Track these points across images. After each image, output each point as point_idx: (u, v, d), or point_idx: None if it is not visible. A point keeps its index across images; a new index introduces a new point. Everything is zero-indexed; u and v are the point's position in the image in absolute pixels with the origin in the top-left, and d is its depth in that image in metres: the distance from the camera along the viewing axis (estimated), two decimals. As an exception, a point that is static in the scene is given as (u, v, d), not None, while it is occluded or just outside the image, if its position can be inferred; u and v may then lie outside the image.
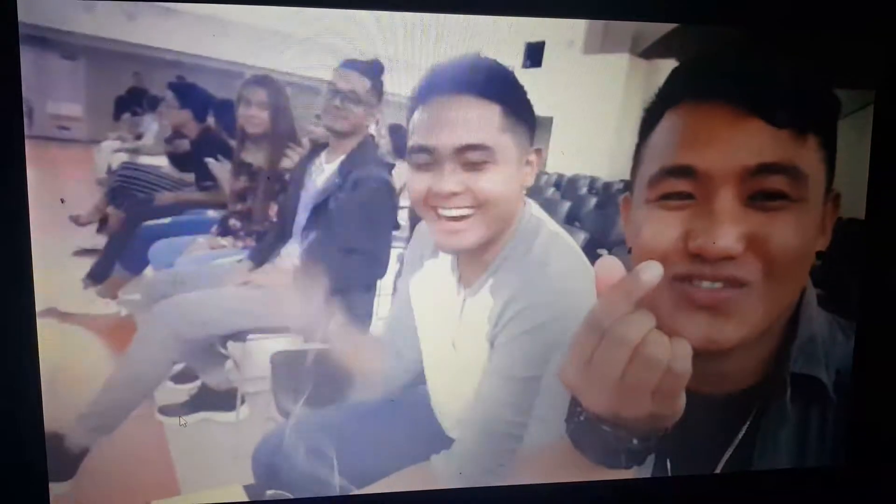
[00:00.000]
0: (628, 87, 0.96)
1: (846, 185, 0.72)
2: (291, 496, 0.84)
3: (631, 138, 0.97)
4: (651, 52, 0.96)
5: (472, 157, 0.73)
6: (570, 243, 0.80)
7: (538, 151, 0.78)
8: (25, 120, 0.74)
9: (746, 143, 0.63)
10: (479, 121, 0.73)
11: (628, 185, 1.04)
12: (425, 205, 0.77)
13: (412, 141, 0.76)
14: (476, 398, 0.79)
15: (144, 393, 0.85)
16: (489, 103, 0.73)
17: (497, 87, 0.74)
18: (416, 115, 0.76)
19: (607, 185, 1.04)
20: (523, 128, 0.76)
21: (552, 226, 0.80)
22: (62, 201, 0.78)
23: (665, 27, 0.93)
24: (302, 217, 0.92)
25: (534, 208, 0.80)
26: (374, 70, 0.82)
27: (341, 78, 0.83)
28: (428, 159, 0.75)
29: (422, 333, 0.87)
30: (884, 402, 0.92)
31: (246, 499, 0.85)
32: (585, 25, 0.90)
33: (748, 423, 0.71)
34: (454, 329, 0.82)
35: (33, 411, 0.78)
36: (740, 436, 0.72)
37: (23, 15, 0.71)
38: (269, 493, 0.84)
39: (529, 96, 0.79)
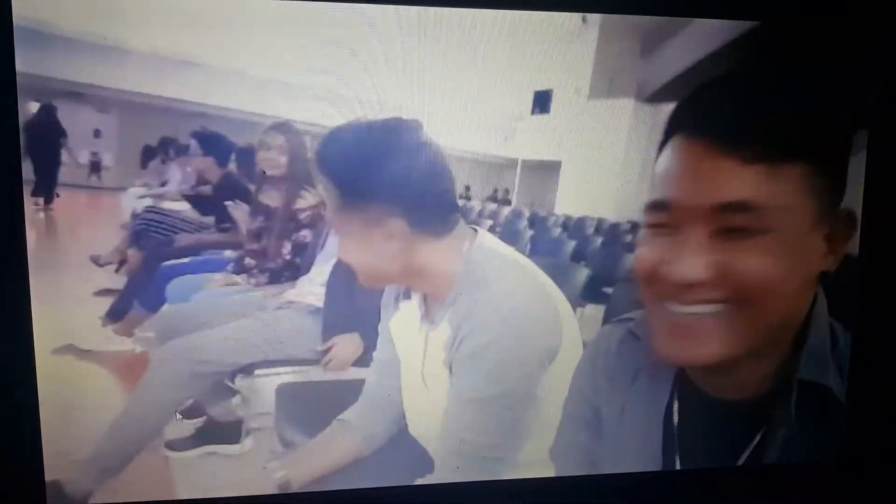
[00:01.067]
0: (633, 131, 0.97)
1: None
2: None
3: (636, 180, 0.99)
4: (655, 98, 0.97)
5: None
6: (516, 261, 0.83)
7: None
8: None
9: (714, 180, 0.66)
10: None
11: (634, 226, 1.06)
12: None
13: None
14: (443, 425, 0.82)
15: (155, 430, 0.88)
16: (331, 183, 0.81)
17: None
18: None
19: (614, 226, 1.04)
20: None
21: (503, 250, 0.83)
22: (57, 195, 0.81)
23: (669, 74, 0.95)
24: (322, 259, 0.95)
25: (485, 238, 0.83)
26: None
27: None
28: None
29: (403, 373, 0.89)
30: (881, 401, 0.93)
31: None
32: (591, 73, 0.93)
33: (762, 430, 0.74)
34: (421, 365, 0.85)
35: (33, 457, 0.80)
36: (754, 443, 0.74)
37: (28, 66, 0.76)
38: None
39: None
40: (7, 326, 0.79)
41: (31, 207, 0.79)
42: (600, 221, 1.02)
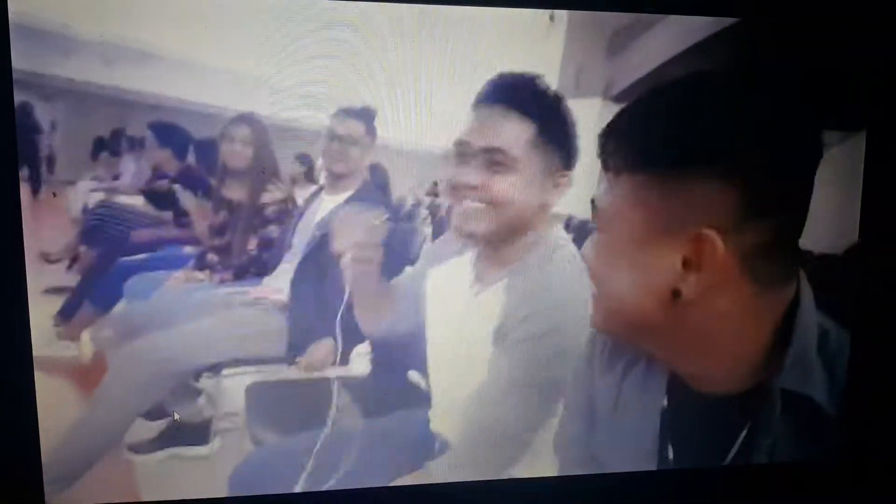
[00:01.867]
0: (600, 129, 0.99)
1: (842, 200, 0.74)
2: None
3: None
4: (623, 97, 0.99)
5: (496, 158, 0.82)
6: (582, 267, 0.86)
7: (567, 176, 0.86)
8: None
9: None
10: (510, 131, 0.81)
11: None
12: (451, 193, 0.85)
13: (457, 136, 0.85)
14: (479, 402, 0.85)
15: (117, 434, 0.85)
16: (526, 119, 0.82)
17: (536, 107, 0.84)
18: (470, 117, 0.85)
19: (583, 223, 1.07)
20: (556, 151, 0.84)
21: (572, 248, 0.87)
22: (54, 195, 0.80)
23: (636, 73, 0.96)
24: (290, 256, 0.93)
25: (561, 231, 0.88)
26: (367, 115, 0.88)
27: (339, 123, 0.87)
28: (462, 152, 0.84)
29: (430, 322, 0.91)
30: (877, 400, 0.94)
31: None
32: (559, 72, 0.93)
33: (748, 427, 0.74)
34: (460, 320, 0.88)
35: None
36: (741, 438, 0.75)
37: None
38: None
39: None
40: None
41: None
42: (569, 218, 1.04)
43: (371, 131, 0.89)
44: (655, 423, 0.75)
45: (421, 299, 0.92)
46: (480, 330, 0.86)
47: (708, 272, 0.67)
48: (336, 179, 0.93)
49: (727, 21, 0.91)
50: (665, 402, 0.75)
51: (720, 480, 0.86)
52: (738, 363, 0.72)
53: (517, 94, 0.83)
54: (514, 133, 0.82)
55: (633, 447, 0.77)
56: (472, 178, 0.82)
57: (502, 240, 0.85)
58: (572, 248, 0.87)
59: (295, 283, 0.92)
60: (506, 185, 0.82)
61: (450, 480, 0.86)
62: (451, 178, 0.84)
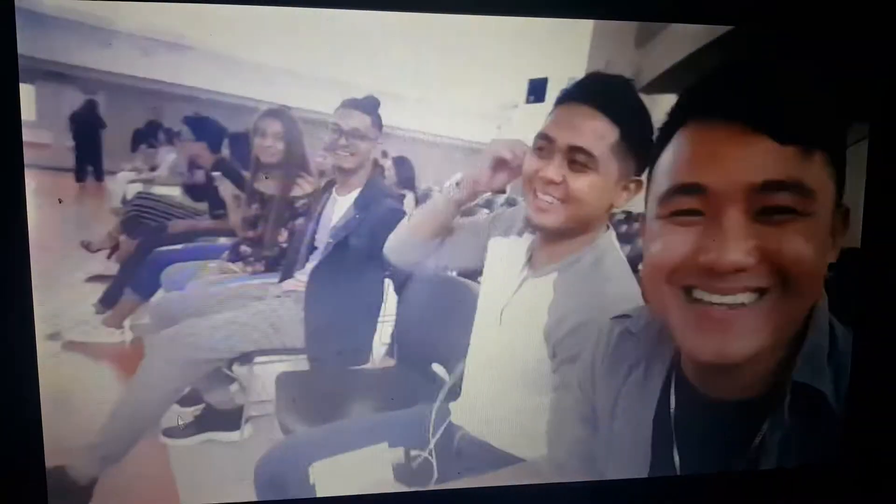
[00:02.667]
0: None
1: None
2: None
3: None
4: (651, 88, 0.98)
5: (579, 157, 0.83)
6: (630, 274, 0.87)
7: (639, 182, 0.85)
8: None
9: (752, 160, 0.64)
10: (596, 132, 0.83)
11: (629, 216, 1.07)
12: (528, 183, 0.87)
13: (540, 129, 0.87)
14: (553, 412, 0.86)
15: (154, 418, 0.88)
16: (612, 123, 0.83)
17: (624, 112, 0.85)
18: (555, 112, 0.87)
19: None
20: (633, 157, 0.85)
21: (622, 254, 0.88)
22: (60, 201, 0.81)
23: (665, 63, 0.95)
24: (318, 247, 0.95)
25: (613, 235, 0.89)
26: (371, 105, 0.88)
27: (343, 117, 0.89)
28: (544, 147, 0.85)
29: (480, 301, 0.93)
30: (880, 403, 0.93)
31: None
32: (587, 62, 0.93)
33: (761, 432, 0.72)
34: (506, 301, 0.89)
35: (36, 443, 0.79)
36: (756, 443, 0.73)
37: (25, 48, 0.74)
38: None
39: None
40: (7, 315, 0.77)
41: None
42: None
43: (377, 123, 0.89)
44: (651, 428, 0.74)
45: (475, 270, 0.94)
46: (526, 315, 0.87)
47: (839, 245, 0.70)
48: (345, 175, 0.95)
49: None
50: (672, 407, 0.74)
51: (726, 485, 0.85)
52: (759, 364, 0.71)
53: (605, 96, 0.84)
54: (599, 134, 0.83)
55: (632, 450, 0.76)
56: (553, 173, 0.83)
57: (564, 234, 0.86)
58: (621, 254, 0.88)
59: (316, 277, 0.94)
60: (584, 185, 0.83)
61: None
62: (531, 171, 0.86)
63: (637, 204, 1.04)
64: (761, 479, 0.81)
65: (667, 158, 0.69)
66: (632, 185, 0.86)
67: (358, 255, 0.94)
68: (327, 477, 0.87)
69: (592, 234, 0.87)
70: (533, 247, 0.91)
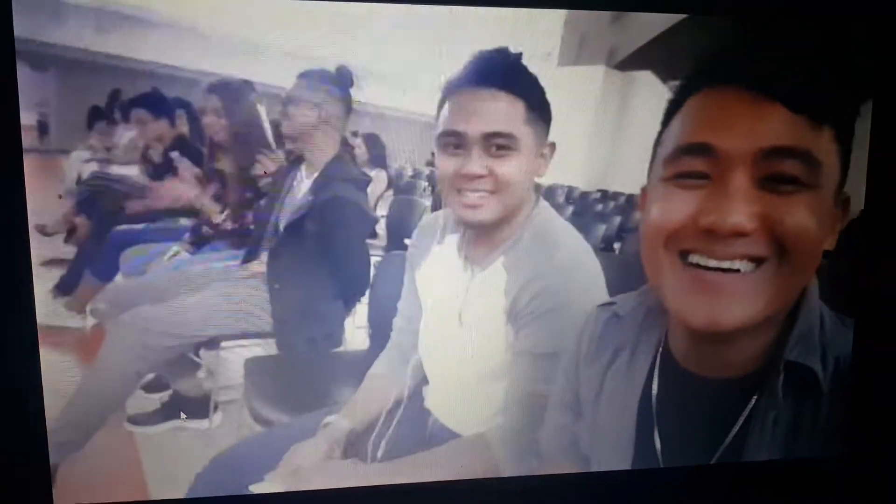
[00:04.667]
0: (603, 98, 0.97)
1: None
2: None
3: (605, 149, 0.99)
4: (626, 65, 0.97)
5: (498, 142, 0.79)
6: (577, 235, 0.85)
7: (551, 145, 0.84)
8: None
9: (763, 125, 0.64)
10: (506, 112, 0.80)
11: (605, 195, 1.06)
12: (450, 185, 0.83)
13: (442, 128, 0.82)
14: (508, 377, 0.84)
15: (115, 404, 0.85)
16: (515, 98, 0.80)
17: (523, 84, 0.82)
18: (448, 104, 0.82)
19: (584, 195, 1.05)
20: (541, 123, 0.83)
21: (561, 220, 0.86)
22: (60, 197, 0.80)
23: (640, 40, 0.94)
24: (279, 229, 0.92)
25: (546, 205, 0.87)
26: (343, 79, 0.84)
27: (308, 88, 0.85)
28: (457, 143, 0.81)
29: (425, 317, 0.90)
30: (882, 393, 0.93)
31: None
32: (561, 37, 0.90)
33: (747, 411, 0.72)
34: (461, 304, 0.87)
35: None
36: (739, 423, 0.73)
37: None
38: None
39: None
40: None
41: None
42: (570, 190, 1.02)
43: (346, 99, 0.86)
44: (636, 411, 0.74)
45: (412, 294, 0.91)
46: (486, 308, 0.84)
47: (838, 231, 0.70)
48: (312, 151, 0.91)
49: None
50: (655, 389, 0.74)
51: (716, 477, 0.85)
52: (748, 340, 0.71)
53: (498, 73, 0.80)
54: (509, 113, 0.79)
55: (617, 436, 0.76)
56: (476, 167, 0.79)
57: (497, 223, 0.83)
58: (562, 220, 0.86)
59: (273, 260, 0.91)
60: (511, 168, 0.80)
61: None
62: (449, 172, 0.81)
63: (613, 182, 1.04)
64: (753, 470, 0.80)
65: (676, 123, 0.69)
66: (546, 151, 0.84)
67: (313, 237, 0.90)
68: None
69: (524, 211, 0.84)
70: (463, 245, 0.87)
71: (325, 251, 0.91)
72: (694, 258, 0.67)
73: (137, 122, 0.84)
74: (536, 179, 0.84)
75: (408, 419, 0.89)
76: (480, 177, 0.80)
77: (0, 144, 0.72)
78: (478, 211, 0.81)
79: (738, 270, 0.66)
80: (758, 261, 0.66)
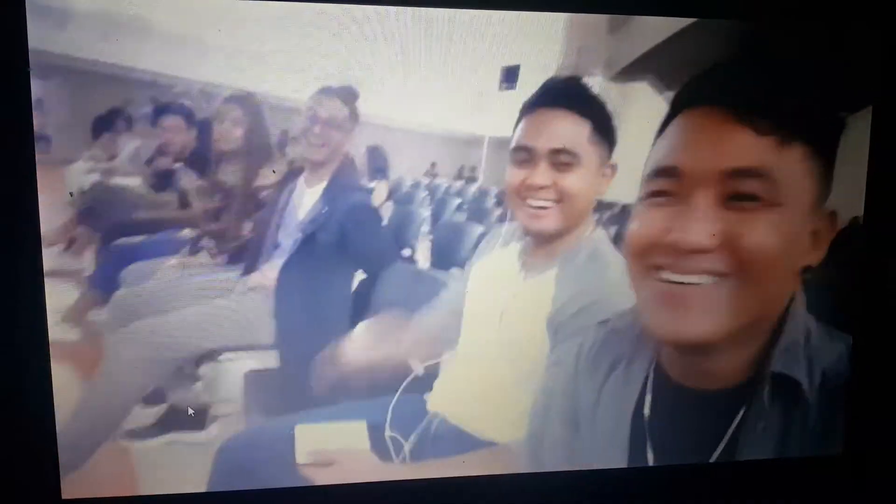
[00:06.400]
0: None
1: (843, 193, 0.74)
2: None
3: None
4: (623, 76, 0.98)
5: (563, 159, 0.88)
6: (620, 256, 0.89)
7: (613, 166, 0.91)
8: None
9: (726, 146, 0.68)
10: (573, 131, 0.89)
11: (601, 205, 1.07)
12: (517, 195, 0.91)
13: (515, 143, 0.91)
14: (539, 384, 0.88)
15: (117, 420, 0.84)
16: (582, 118, 0.89)
17: (589, 106, 0.91)
18: (523, 122, 0.91)
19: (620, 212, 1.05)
20: (605, 144, 0.90)
21: (613, 248, 0.92)
22: (71, 195, 0.80)
23: (637, 50, 0.95)
24: (284, 241, 0.92)
25: (603, 234, 0.93)
26: (350, 95, 0.87)
27: (318, 105, 0.87)
28: (526, 157, 0.89)
29: (467, 310, 0.94)
30: (878, 396, 0.94)
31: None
32: (560, 49, 0.92)
33: (735, 422, 0.75)
34: (504, 303, 0.92)
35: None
36: (729, 433, 0.76)
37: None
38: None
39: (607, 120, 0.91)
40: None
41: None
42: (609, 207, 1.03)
43: (354, 113, 0.89)
44: (629, 422, 0.76)
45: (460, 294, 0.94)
46: (529, 313, 0.90)
47: (825, 246, 0.74)
48: (314, 165, 0.92)
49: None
50: (648, 400, 0.76)
51: (710, 477, 0.86)
52: (732, 353, 0.73)
53: (569, 96, 0.90)
54: (575, 131, 0.88)
55: (611, 445, 0.77)
56: (541, 178, 0.88)
57: (557, 234, 0.91)
58: (613, 247, 0.91)
59: (286, 274, 0.91)
60: (574, 180, 0.88)
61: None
62: (516, 182, 0.89)
63: (609, 192, 1.05)
64: (749, 470, 0.81)
65: (658, 145, 0.75)
66: (608, 171, 0.90)
67: (327, 250, 0.92)
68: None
69: (583, 227, 0.91)
70: (525, 252, 0.94)
71: (348, 260, 0.95)
72: (664, 274, 0.71)
73: (141, 133, 0.85)
74: (597, 197, 0.91)
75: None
76: (545, 187, 0.87)
77: (13, 155, 0.73)
78: (540, 220, 0.89)
79: (698, 284, 0.70)
80: (721, 275, 0.69)
